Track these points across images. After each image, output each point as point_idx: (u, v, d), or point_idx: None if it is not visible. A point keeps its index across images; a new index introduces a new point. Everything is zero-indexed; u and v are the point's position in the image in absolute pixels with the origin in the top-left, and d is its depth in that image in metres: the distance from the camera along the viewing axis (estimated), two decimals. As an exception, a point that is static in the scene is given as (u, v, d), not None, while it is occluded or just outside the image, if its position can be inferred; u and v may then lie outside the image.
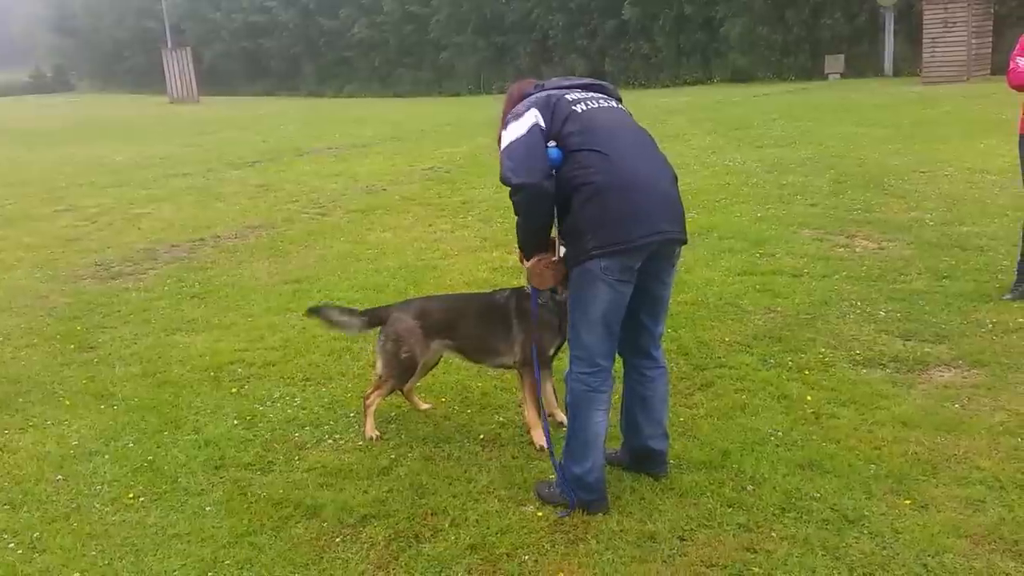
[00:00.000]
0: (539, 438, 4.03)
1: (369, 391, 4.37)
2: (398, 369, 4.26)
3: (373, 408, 4.32)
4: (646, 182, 3.33)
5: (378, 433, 4.29)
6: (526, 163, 3.27)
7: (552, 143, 3.31)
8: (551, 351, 4.12)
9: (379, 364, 4.33)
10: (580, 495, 3.49)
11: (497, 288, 4.61)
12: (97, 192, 12.81)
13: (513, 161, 3.29)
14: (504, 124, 3.43)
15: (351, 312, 4.52)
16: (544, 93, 3.47)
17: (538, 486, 3.68)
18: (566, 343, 3.75)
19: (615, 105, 3.53)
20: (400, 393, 4.53)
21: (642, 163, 3.38)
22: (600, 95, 3.53)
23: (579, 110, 3.37)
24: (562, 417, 4.25)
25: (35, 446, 4.40)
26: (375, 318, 4.40)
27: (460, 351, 4.35)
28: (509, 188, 3.31)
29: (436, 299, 4.76)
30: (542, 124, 3.32)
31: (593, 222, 3.27)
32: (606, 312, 3.35)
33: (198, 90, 40.02)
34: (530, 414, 4.10)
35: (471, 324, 4.28)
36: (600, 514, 3.46)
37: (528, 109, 3.36)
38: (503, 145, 3.36)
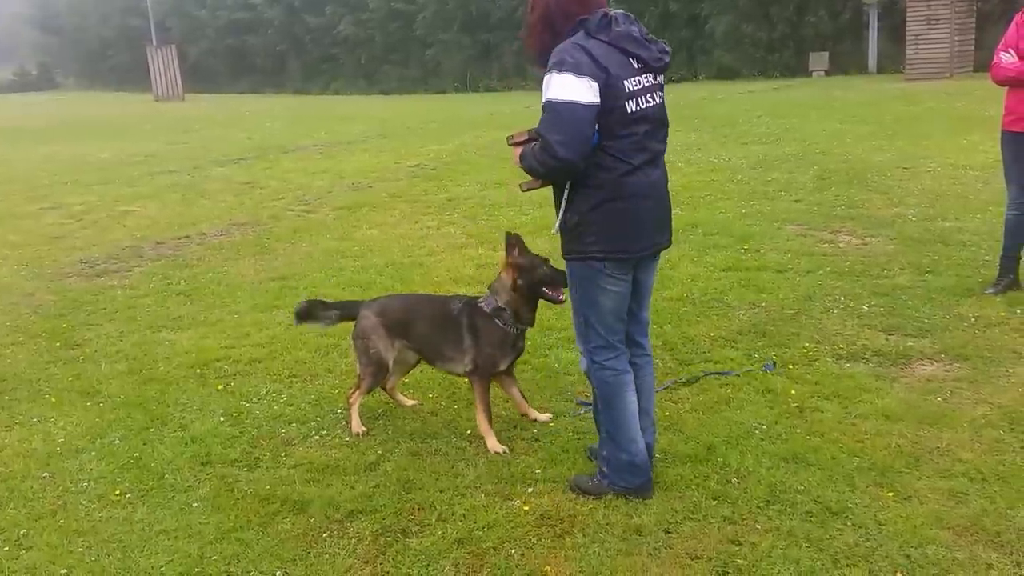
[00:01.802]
0: (493, 445, 4.03)
1: (351, 389, 4.40)
2: (371, 366, 4.29)
3: (356, 405, 4.34)
4: (655, 191, 3.41)
5: (364, 429, 4.30)
6: (577, 140, 3.15)
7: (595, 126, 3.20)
8: (502, 366, 4.14)
9: (355, 361, 4.40)
10: (631, 481, 3.52)
11: (455, 295, 4.68)
12: (82, 190, 12.74)
13: (565, 135, 3.15)
14: (558, 63, 3.15)
15: (325, 305, 4.59)
16: (604, 65, 3.16)
17: (577, 480, 3.66)
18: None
19: (659, 100, 3.36)
20: (383, 390, 4.54)
21: (655, 171, 3.39)
22: (653, 81, 3.32)
23: (630, 110, 3.23)
24: (536, 415, 4.33)
25: (21, 443, 4.39)
26: (346, 312, 4.49)
27: (418, 352, 4.38)
28: (546, 156, 3.19)
29: (398, 298, 4.81)
30: (598, 101, 3.15)
31: (600, 227, 3.30)
32: (615, 303, 3.44)
33: (183, 88, 39.84)
34: (481, 423, 4.08)
35: (426, 327, 4.31)
36: (651, 497, 3.52)
37: (587, 79, 3.12)
38: (557, 98, 3.15)
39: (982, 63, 20.35)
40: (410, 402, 4.63)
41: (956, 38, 22.96)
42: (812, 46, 28.79)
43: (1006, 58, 5.64)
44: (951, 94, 18.13)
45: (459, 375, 4.33)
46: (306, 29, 45.00)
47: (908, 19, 23.33)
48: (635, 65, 3.26)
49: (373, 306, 4.41)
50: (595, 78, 3.14)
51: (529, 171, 3.36)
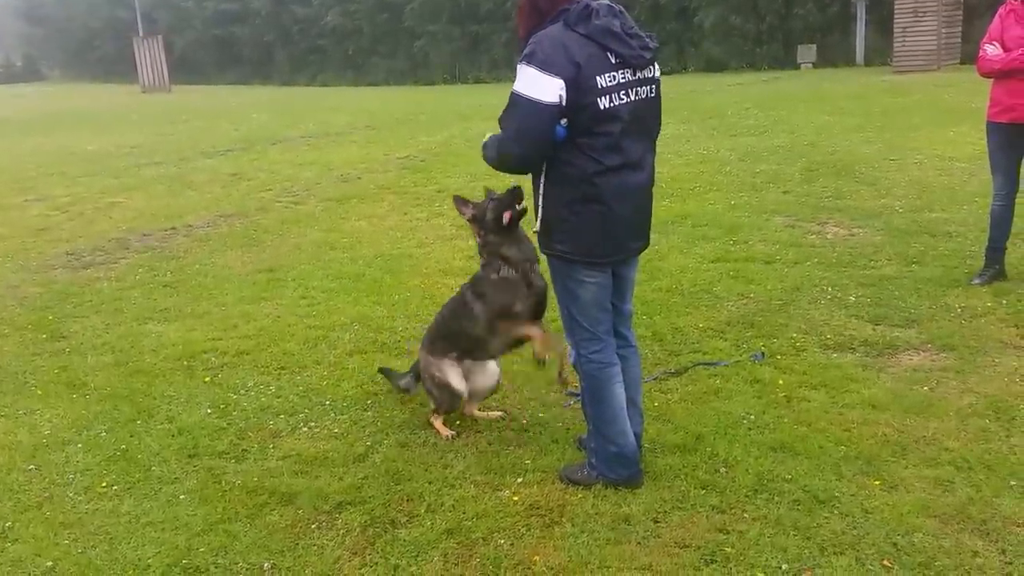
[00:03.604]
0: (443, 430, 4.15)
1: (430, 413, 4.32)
2: (436, 390, 4.25)
3: (439, 422, 4.26)
4: (635, 198, 3.34)
5: (452, 432, 4.16)
6: (530, 136, 3.14)
7: (563, 121, 3.14)
8: (521, 307, 3.92)
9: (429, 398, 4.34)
10: (620, 472, 3.52)
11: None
12: (68, 181, 12.64)
13: (519, 129, 3.14)
14: (529, 54, 3.10)
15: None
16: (576, 60, 3.09)
17: (566, 471, 3.66)
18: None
19: (638, 97, 3.24)
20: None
21: (636, 176, 3.30)
22: (632, 77, 3.21)
23: (602, 106, 3.13)
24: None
25: (7, 436, 4.36)
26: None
27: (462, 353, 4.21)
28: (500, 138, 3.22)
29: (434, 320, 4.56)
30: (564, 101, 3.08)
31: (572, 227, 3.28)
32: (596, 296, 3.43)
33: (170, 79, 39.57)
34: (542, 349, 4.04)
35: (453, 325, 4.23)
36: (640, 487, 3.53)
37: (554, 75, 3.05)
38: (518, 91, 3.10)
39: (969, 55, 20.46)
40: (494, 414, 4.37)
41: (943, 30, 23.02)
42: (800, 38, 28.83)
43: (991, 50, 5.67)
44: (938, 86, 18.19)
45: (509, 349, 4.15)
46: (293, 20, 44.78)
47: (896, 11, 23.37)
48: (612, 60, 3.16)
49: (424, 341, 4.32)
50: (562, 75, 3.05)
51: (486, 159, 3.37)
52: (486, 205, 3.91)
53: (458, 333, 4.12)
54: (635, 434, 3.66)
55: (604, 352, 3.49)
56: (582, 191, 3.23)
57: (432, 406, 4.21)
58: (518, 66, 3.16)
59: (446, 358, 4.14)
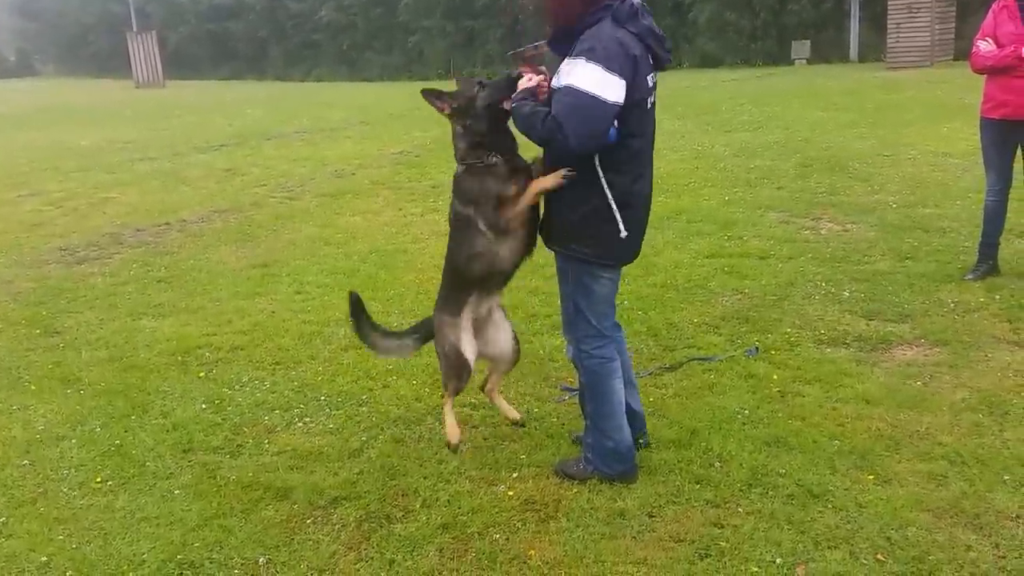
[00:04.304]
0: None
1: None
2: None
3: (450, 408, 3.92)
4: (646, 201, 3.44)
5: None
6: (589, 135, 3.05)
7: (615, 124, 3.13)
8: (514, 190, 3.48)
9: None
10: (616, 467, 3.54)
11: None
12: (62, 177, 12.60)
13: (580, 126, 3.02)
14: (590, 50, 3.02)
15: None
16: (635, 59, 3.09)
17: (562, 465, 3.67)
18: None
19: (655, 99, 3.33)
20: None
21: (646, 182, 3.40)
22: (655, 79, 3.28)
23: (647, 106, 3.21)
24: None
25: (0, 432, 4.35)
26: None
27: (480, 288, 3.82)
28: (554, 129, 3.05)
29: None
30: (620, 101, 3.06)
31: (606, 236, 3.31)
32: (609, 290, 3.48)
33: (164, 74, 39.45)
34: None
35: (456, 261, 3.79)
36: (635, 482, 3.54)
37: (618, 75, 3.03)
38: (580, 87, 3.01)
39: (962, 52, 20.44)
40: (515, 414, 4.14)
41: (937, 27, 23.07)
42: (794, 34, 28.86)
43: (984, 46, 5.69)
44: (932, 82, 18.23)
45: (499, 233, 3.54)
46: (288, 15, 44.65)
47: (889, 8, 23.41)
48: (650, 61, 3.22)
49: (437, 302, 3.93)
50: (624, 75, 3.04)
51: (521, 127, 3.22)
52: (473, 92, 3.49)
53: (469, 260, 3.62)
54: (640, 414, 3.74)
55: (606, 348, 3.51)
56: (621, 199, 3.27)
57: (444, 385, 3.85)
58: (574, 60, 3.06)
59: (462, 316, 3.75)
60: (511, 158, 3.52)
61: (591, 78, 3.01)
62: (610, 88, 3.02)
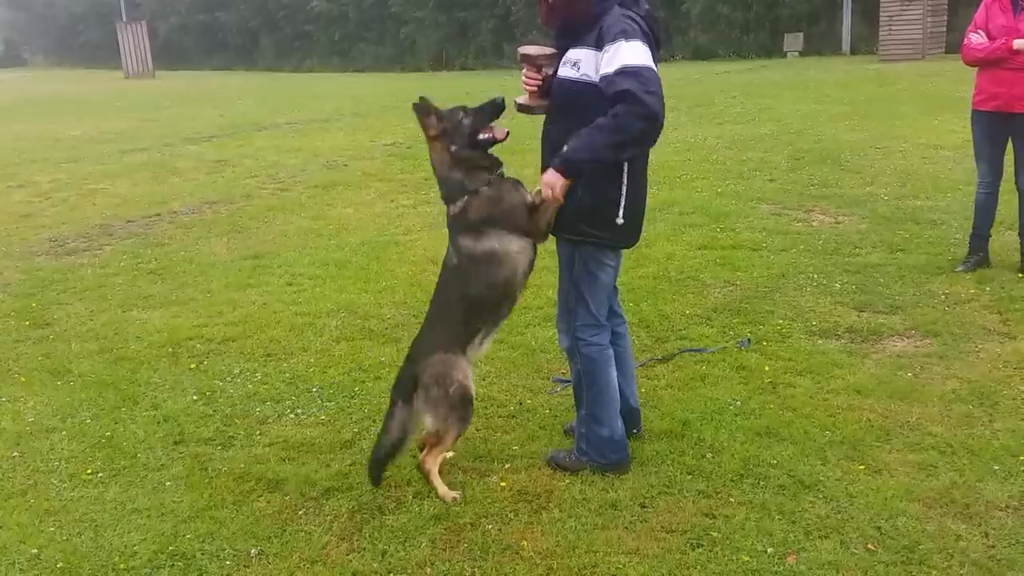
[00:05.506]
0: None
1: None
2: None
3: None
4: (646, 182, 3.53)
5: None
6: (662, 102, 3.05)
7: None
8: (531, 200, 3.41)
9: None
10: (610, 456, 3.55)
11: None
12: (51, 168, 12.53)
13: (657, 97, 3.02)
14: (626, 31, 3.09)
15: None
16: (647, 32, 3.22)
17: (554, 456, 3.67)
18: None
19: None
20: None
21: (647, 161, 3.52)
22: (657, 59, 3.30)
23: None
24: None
25: (-10, 423, 4.33)
26: None
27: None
28: (640, 114, 3.01)
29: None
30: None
31: (628, 218, 3.35)
32: (609, 282, 3.54)
33: (154, 65, 39.22)
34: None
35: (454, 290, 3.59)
36: (627, 472, 3.55)
37: (649, 48, 3.14)
38: (639, 63, 3.03)
39: (954, 44, 20.47)
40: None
41: (929, 19, 23.09)
42: (787, 27, 28.82)
43: (975, 39, 5.71)
44: (924, 75, 18.25)
45: (539, 237, 3.46)
46: (279, 5, 44.40)
47: (882, 1, 23.42)
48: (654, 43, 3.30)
49: (425, 347, 3.58)
50: (651, 48, 3.17)
51: (618, 147, 3.09)
52: (458, 117, 3.44)
53: (491, 289, 3.41)
54: (636, 410, 3.78)
55: (603, 336, 3.54)
56: (641, 180, 3.43)
57: (439, 442, 3.45)
58: (614, 44, 3.06)
59: (468, 353, 3.48)
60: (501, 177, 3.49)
61: (638, 52, 3.08)
62: (653, 59, 3.14)
